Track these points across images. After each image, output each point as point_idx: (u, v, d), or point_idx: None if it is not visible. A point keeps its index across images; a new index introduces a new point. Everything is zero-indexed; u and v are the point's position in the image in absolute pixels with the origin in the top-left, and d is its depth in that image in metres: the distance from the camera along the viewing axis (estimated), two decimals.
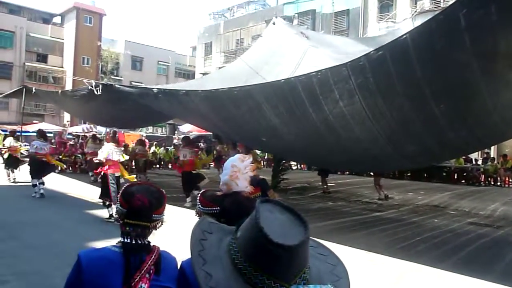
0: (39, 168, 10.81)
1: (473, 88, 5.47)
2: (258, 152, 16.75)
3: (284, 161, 15.02)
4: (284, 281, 1.01)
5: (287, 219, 1.09)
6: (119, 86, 10.98)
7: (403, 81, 5.57)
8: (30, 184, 10.74)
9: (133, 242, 1.60)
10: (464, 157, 20.13)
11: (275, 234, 0.99)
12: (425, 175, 20.16)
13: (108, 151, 8.37)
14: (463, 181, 19.51)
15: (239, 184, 1.78)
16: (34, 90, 16.54)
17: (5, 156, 13.72)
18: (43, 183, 10.70)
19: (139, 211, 1.62)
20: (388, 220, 9.32)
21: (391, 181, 17.87)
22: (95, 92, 10.17)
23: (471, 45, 4.66)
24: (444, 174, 19.96)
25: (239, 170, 1.81)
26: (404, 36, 4.94)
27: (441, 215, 10.18)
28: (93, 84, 10.61)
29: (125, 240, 1.61)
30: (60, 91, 16.37)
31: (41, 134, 11.73)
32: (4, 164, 13.69)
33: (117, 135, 9.03)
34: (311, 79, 6.22)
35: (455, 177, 19.84)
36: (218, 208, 1.76)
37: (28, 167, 11.00)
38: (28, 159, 12.09)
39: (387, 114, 6.27)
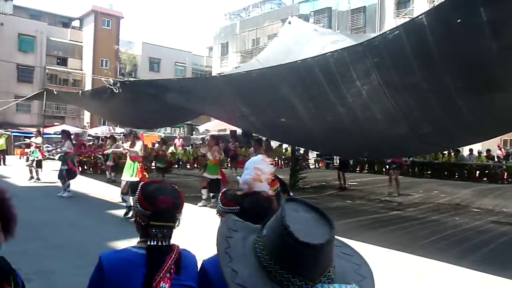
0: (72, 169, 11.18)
1: (490, 66, 5.30)
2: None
3: (301, 159, 15.02)
4: (309, 280, 1.02)
5: (313, 218, 1.09)
6: (138, 80, 11.12)
7: (419, 60, 5.45)
8: (55, 184, 10.96)
9: (159, 244, 1.60)
10: (486, 154, 19.80)
11: (301, 233, 1.00)
12: (446, 173, 19.87)
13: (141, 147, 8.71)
14: (485, 178, 19.13)
15: (260, 186, 1.78)
16: (55, 92, 16.87)
17: (34, 155, 13.96)
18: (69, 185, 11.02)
19: (165, 213, 1.62)
20: (408, 218, 9.22)
21: (411, 179, 17.68)
22: (114, 90, 10.29)
23: (488, 22, 4.51)
24: (466, 172, 19.62)
25: (262, 172, 1.81)
26: (420, 17, 4.87)
27: (462, 213, 10.02)
28: (111, 82, 10.73)
29: (152, 242, 1.61)
30: (80, 92, 16.65)
31: (68, 135, 12.01)
32: (31, 163, 13.93)
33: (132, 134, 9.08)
34: (327, 59, 6.20)
35: (477, 175, 19.47)
36: (238, 207, 1.76)
37: (66, 169, 11.18)
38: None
39: (403, 93, 6.18)
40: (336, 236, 1.11)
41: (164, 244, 1.62)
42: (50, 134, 27.52)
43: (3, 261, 1.43)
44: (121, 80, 11.03)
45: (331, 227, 1.06)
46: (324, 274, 1.03)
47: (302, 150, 15.58)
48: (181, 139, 26.54)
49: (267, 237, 1.09)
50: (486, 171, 19.44)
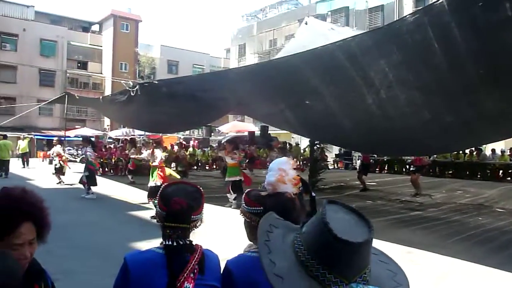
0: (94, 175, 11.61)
1: None
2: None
3: (320, 160, 14.95)
4: (345, 278, 1.03)
5: (352, 219, 1.11)
6: (156, 82, 11.23)
7: (441, 43, 5.33)
8: (77, 186, 11.21)
9: (175, 243, 1.63)
10: (510, 153, 19.35)
11: (340, 231, 1.02)
12: (468, 172, 19.49)
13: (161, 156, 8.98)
14: (508, 178, 18.70)
15: (284, 187, 1.79)
16: (77, 97, 17.19)
17: (56, 163, 14.38)
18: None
19: (178, 214, 1.64)
20: (429, 218, 9.10)
21: (432, 179, 17.41)
22: (131, 93, 10.42)
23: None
24: (488, 171, 19.21)
25: (286, 174, 1.82)
26: (440, 0, 4.79)
27: (485, 213, 9.84)
28: (131, 84, 10.88)
29: (167, 242, 1.64)
30: (101, 97, 16.91)
31: (90, 142, 12.36)
32: (55, 171, 14.33)
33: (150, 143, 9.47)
34: (349, 43, 6.16)
35: (500, 174, 19.05)
36: (262, 208, 1.77)
37: (86, 175, 11.44)
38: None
39: (425, 76, 6.06)
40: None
41: (180, 243, 1.64)
42: (70, 137, 28.00)
43: (35, 262, 1.47)
44: (140, 82, 11.17)
45: (370, 229, 1.08)
46: (360, 274, 1.05)
47: (320, 151, 15.49)
48: (196, 141, 26.73)
49: (306, 234, 1.11)
50: (510, 171, 19.00)
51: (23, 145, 21.65)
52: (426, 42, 5.35)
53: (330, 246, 1.02)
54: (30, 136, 26.30)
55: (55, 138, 16.67)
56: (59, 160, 14.26)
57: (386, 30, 5.65)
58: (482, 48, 5.19)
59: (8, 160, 16.97)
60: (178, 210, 1.63)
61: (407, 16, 5.35)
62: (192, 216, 1.68)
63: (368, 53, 6.08)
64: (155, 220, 1.80)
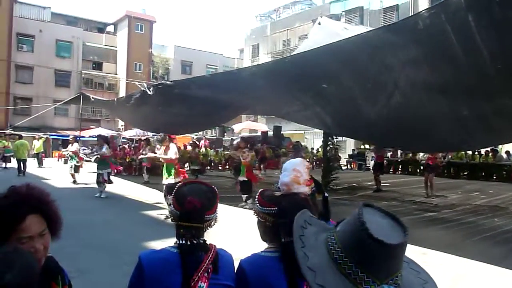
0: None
1: None
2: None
3: (333, 160, 14.89)
4: (377, 278, 1.03)
5: (388, 223, 1.12)
6: (170, 83, 11.28)
7: (458, 36, 5.23)
8: (92, 186, 11.34)
9: (188, 243, 1.63)
10: None
11: (376, 231, 1.02)
12: (483, 174, 19.21)
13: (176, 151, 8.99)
14: None
15: (298, 187, 1.79)
16: (92, 99, 17.35)
17: (75, 162, 14.58)
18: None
19: (192, 214, 1.65)
20: (443, 220, 9.00)
21: (447, 180, 17.22)
22: (149, 92, 10.48)
23: None
24: (504, 172, 18.91)
25: (301, 175, 1.82)
26: None
27: (501, 215, 9.69)
28: (145, 85, 10.96)
29: (181, 241, 1.64)
30: (115, 99, 17.05)
31: (106, 140, 12.48)
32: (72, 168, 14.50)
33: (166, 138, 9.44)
34: (367, 35, 6.13)
35: None
36: (275, 208, 1.77)
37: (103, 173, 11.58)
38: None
39: (442, 68, 5.97)
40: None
41: (194, 242, 1.64)
42: (85, 137, 28.33)
43: (52, 260, 1.48)
44: (154, 83, 11.25)
45: (405, 232, 1.09)
46: (392, 277, 1.05)
47: (333, 151, 15.44)
48: (207, 141, 26.85)
49: (341, 232, 1.12)
50: None
51: (38, 145, 22.04)
52: (442, 34, 5.25)
53: (365, 246, 1.02)
54: (45, 136, 26.64)
55: (71, 137, 16.86)
56: (77, 159, 14.47)
57: (402, 25, 5.57)
58: (500, 43, 5.07)
59: (26, 160, 17.32)
60: (191, 210, 1.63)
61: (423, 11, 5.28)
62: (206, 216, 1.68)
63: (388, 43, 6.00)
64: (170, 219, 1.79)
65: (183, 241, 1.64)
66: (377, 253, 1.02)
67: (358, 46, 6.32)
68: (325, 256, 1.11)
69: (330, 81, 7.65)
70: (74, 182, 14.14)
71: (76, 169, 14.45)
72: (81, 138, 20.73)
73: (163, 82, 11.85)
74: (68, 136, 22.74)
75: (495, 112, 6.56)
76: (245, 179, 10.20)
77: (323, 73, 7.49)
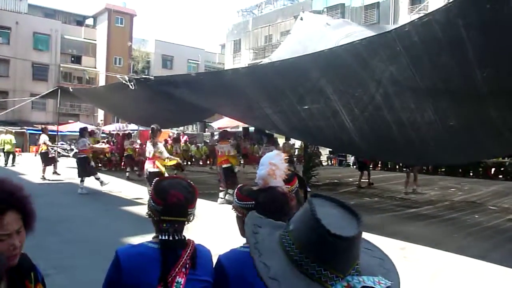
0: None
1: None
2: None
3: (314, 156, 14.96)
4: (340, 272, 1.03)
5: (339, 212, 1.11)
6: (152, 78, 11.10)
7: (450, 46, 5.26)
8: (72, 181, 11.12)
9: (171, 238, 1.62)
10: None
11: (332, 226, 1.01)
12: (460, 170, 19.63)
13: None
14: (500, 176, 18.84)
15: (276, 181, 1.79)
16: (71, 89, 17.05)
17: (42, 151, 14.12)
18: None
19: (176, 207, 1.63)
20: (424, 216, 9.13)
21: (425, 176, 17.50)
22: (130, 87, 10.31)
23: None
24: (481, 169, 19.36)
25: (277, 168, 1.81)
26: (450, 4, 4.76)
27: (479, 211, 9.89)
28: (126, 78, 10.75)
29: (163, 237, 1.62)
30: (95, 87, 16.76)
31: (88, 132, 12.26)
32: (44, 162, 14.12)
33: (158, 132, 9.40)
34: (355, 46, 6.06)
35: (492, 172, 19.20)
36: (253, 202, 1.76)
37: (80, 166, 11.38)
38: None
39: (433, 77, 5.97)
40: None
41: (176, 238, 1.63)
42: (63, 132, 27.84)
43: (25, 257, 1.44)
44: (136, 77, 11.05)
45: (359, 221, 1.08)
46: (353, 267, 1.05)
47: (314, 147, 15.53)
48: (185, 136, 26.72)
49: (295, 231, 1.09)
50: (502, 169, 19.15)
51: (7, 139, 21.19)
52: (435, 42, 5.27)
53: (323, 242, 1.01)
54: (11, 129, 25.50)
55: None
56: (45, 148, 14.01)
57: (395, 33, 5.57)
58: (489, 50, 5.10)
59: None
60: (175, 203, 1.62)
61: (416, 20, 5.29)
62: (188, 210, 1.67)
63: (376, 53, 5.99)
64: (148, 216, 1.76)
65: (166, 237, 1.62)
66: (337, 248, 1.01)
67: (339, 55, 6.32)
68: (284, 259, 1.08)
69: (308, 89, 7.63)
70: (43, 177, 13.61)
71: (48, 160, 14.02)
72: (59, 133, 20.38)
73: (144, 76, 11.68)
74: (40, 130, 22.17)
75: (479, 121, 6.51)
76: (229, 165, 10.12)
77: (301, 80, 7.47)
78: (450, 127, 6.75)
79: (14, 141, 20.14)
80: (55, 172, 14.54)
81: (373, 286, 1.03)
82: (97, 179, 11.22)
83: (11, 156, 19.61)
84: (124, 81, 10.52)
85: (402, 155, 8.92)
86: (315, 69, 7.02)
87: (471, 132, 6.72)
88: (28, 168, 17.71)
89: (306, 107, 8.07)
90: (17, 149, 22.40)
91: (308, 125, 8.74)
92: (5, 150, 19.58)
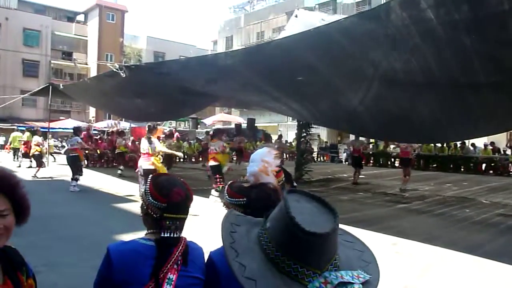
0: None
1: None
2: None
3: (306, 153, 14.98)
4: (317, 268, 1.03)
5: (315, 208, 1.11)
6: (143, 64, 10.99)
7: (440, 24, 5.17)
8: (63, 179, 11.02)
9: (173, 235, 1.62)
10: (491, 147, 19.67)
11: (306, 223, 1.01)
12: (451, 166, 19.81)
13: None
14: (491, 171, 19.06)
15: (267, 178, 1.79)
16: (61, 86, 16.87)
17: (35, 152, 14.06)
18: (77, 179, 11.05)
19: (180, 205, 1.64)
20: (415, 211, 9.21)
21: (417, 172, 17.62)
22: (121, 74, 10.15)
23: None
24: (471, 165, 19.55)
25: (268, 164, 1.81)
26: None
27: (469, 206, 9.98)
28: (117, 66, 10.59)
29: (165, 234, 1.61)
30: (87, 78, 16.63)
31: (81, 131, 12.15)
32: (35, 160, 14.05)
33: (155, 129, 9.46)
34: (342, 23, 6.04)
35: (483, 168, 19.40)
36: (245, 199, 1.76)
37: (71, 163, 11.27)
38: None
39: (424, 56, 5.92)
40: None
41: (176, 235, 1.63)
42: (55, 128, 27.62)
43: (16, 252, 1.44)
44: (126, 65, 10.90)
45: (334, 216, 1.08)
46: (330, 262, 1.05)
47: (306, 143, 15.52)
48: (177, 133, 26.66)
49: (272, 229, 1.10)
50: (492, 164, 19.36)
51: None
52: (426, 22, 5.18)
53: (298, 240, 1.01)
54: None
55: (37, 125, 16.33)
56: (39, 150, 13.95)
57: (376, 12, 5.50)
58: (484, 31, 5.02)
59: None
60: (179, 201, 1.64)
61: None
62: (189, 207, 1.70)
63: (367, 31, 5.91)
64: (143, 213, 1.75)
65: (168, 234, 1.61)
66: (312, 245, 1.01)
67: (336, 34, 6.25)
68: (261, 257, 1.09)
69: (306, 72, 7.57)
70: (35, 176, 13.40)
71: (41, 162, 13.95)
72: (50, 130, 20.21)
73: (135, 64, 11.58)
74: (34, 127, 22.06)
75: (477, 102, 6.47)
76: (216, 163, 10.13)
77: (299, 63, 7.41)
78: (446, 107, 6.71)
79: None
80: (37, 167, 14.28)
81: (351, 281, 1.03)
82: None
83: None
84: (114, 69, 10.33)
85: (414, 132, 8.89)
86: (310, 51, 6.94)
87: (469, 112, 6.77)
88: (21, 165, 17.56)
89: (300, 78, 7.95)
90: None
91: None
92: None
